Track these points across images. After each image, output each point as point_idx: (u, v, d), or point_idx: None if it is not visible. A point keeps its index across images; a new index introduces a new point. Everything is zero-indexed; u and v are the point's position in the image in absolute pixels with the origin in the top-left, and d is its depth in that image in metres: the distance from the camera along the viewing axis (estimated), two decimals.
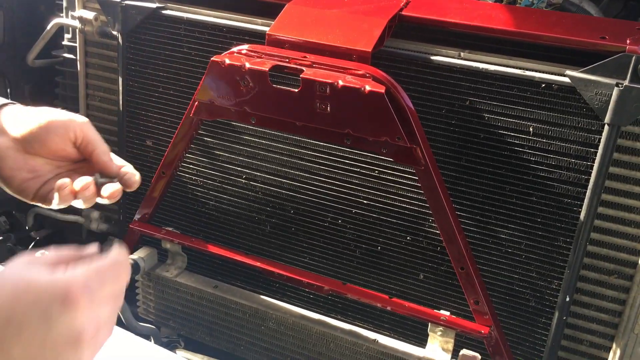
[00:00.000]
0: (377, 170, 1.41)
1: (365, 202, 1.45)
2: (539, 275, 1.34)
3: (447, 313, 1.36)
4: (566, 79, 1.20)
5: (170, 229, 1.59)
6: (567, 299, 1.29)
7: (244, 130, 1.53)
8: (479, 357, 1.33)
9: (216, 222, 1.65)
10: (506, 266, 1.37)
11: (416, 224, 1.41)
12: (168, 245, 1.58)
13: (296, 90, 1.22)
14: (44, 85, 1.85)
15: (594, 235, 1.26)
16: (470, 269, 1.29)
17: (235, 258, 1.50)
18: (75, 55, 1.74)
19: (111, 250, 0.69)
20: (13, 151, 0.94)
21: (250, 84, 1.25)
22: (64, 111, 0.97)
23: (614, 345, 1.30)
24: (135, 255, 1.55)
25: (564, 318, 1.31)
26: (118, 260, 0.68)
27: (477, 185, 1.34)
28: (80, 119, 0.96)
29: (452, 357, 1.34)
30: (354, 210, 1.47)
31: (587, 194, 1.22)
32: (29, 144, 0.93)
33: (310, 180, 1.49)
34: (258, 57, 1.27)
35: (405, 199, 1.40)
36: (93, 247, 0.70)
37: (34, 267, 0.62)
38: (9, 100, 0.99)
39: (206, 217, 1.66)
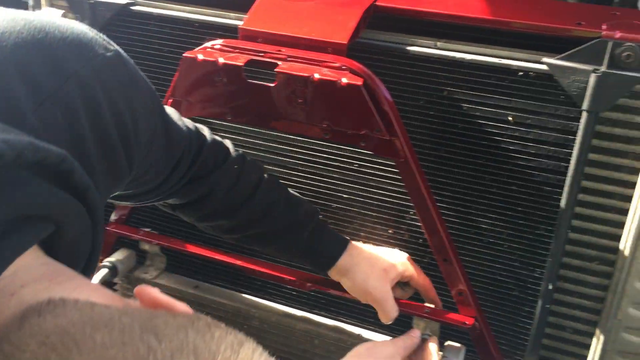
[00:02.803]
0: (356, 163, 1.39)
1: (345, 196, 1.43)
2: (521, 264, 1.34)
3: (431, 305, 1.35)
4: (543, 66, 1.19)
5: (148, 229, 1.56)
6: (550, 287, 1.29)
7: (219, 126, 1.50)
8: (465, 348, 1.33)
9: None
10: (489, 256, 1.36)
11: (397, 217, 1.40)
12: (146, 247, 1.55)
13: (272, 84, 1.20)
14: None
15: (575, 223, 1.26)
16: (453, 260, 1.28)
17: (214, 257, 1.48)
18: None
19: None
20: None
21: (225, 80, 1.22)
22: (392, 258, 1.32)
23: (597, 332, 1.30)
24: (112, 258, 1.52)
25: (547, 306, 1.31)
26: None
27: (457, 176, 1.33)
28: (402, 265, 1.33)
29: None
30: (334, 205, 1.45)
31: (566, 181, 1.22)
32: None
33: (288, 176, 1.47)
34: (232, 51, 1.25)
35: (385, 191, 1.39)
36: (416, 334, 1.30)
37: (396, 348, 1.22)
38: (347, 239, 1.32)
39: None
